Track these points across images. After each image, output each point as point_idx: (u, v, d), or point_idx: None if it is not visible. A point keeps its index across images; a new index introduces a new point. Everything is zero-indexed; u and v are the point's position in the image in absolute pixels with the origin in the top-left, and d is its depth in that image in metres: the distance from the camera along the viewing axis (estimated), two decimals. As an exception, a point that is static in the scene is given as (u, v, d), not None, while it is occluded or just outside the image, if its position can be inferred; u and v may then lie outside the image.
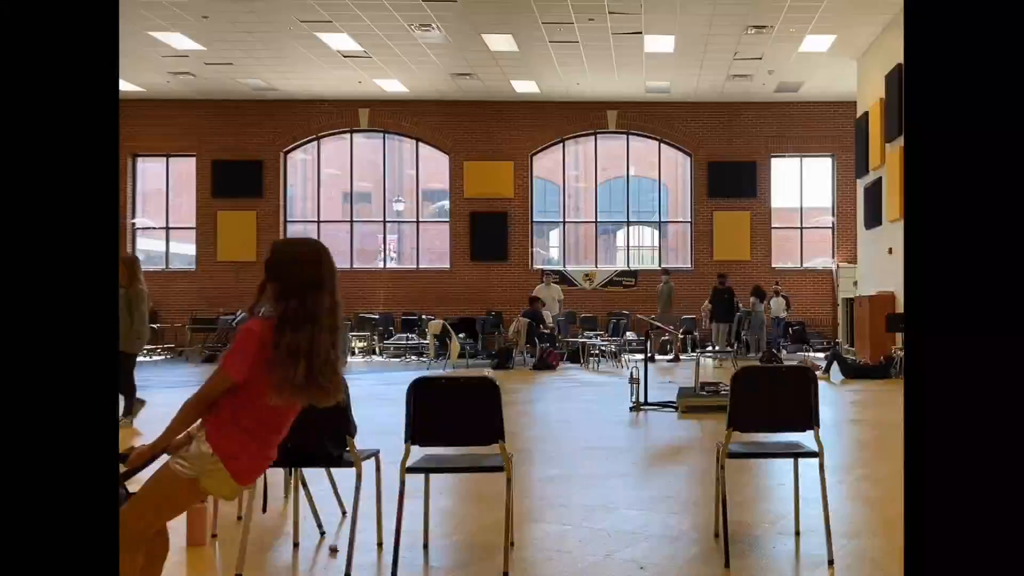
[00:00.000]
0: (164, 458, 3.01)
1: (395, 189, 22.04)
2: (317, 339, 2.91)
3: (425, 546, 4.49)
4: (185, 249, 21.81)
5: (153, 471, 3.05)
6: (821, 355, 17.53)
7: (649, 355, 11.62)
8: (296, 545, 4.57)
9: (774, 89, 20.08)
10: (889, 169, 16.01)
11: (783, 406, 4.35)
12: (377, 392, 11.65)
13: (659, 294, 18.80)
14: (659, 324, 13.98)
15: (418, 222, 22.01)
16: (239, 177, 21.09)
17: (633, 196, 22.19)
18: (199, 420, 2.98)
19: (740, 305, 18.87)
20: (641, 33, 16.12)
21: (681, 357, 17.67)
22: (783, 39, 16.44)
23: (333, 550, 4.45)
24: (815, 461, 4.31)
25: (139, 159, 21.78)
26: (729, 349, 17.33)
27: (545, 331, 17.21)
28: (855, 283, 19.39)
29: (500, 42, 16.79)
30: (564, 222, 22.32)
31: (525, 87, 20.05)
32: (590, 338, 17.77)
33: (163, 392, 11.87)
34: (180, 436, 2.97)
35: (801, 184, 22.04)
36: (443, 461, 4.44)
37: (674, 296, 18.41)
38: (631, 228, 22.60)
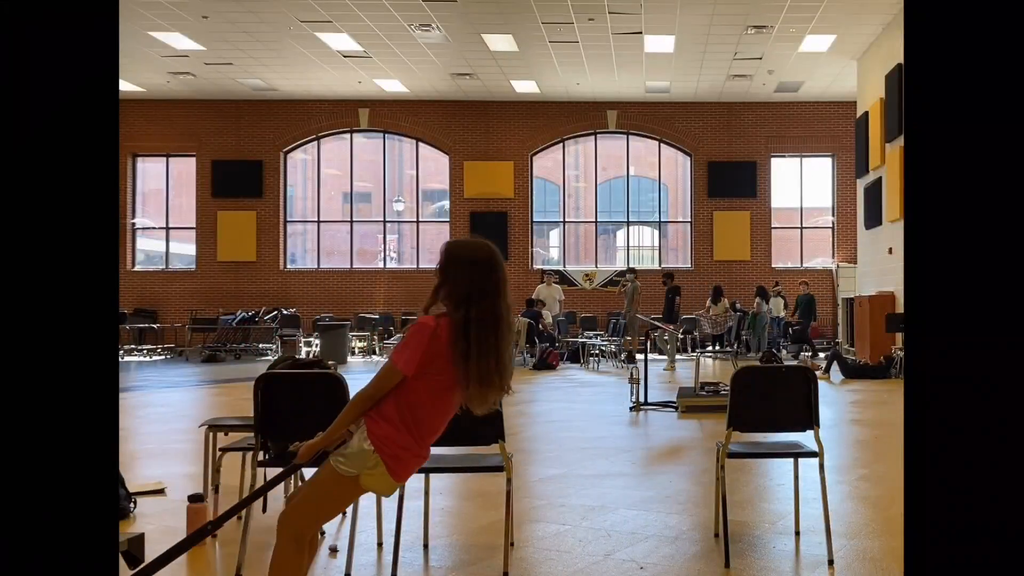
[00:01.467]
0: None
1: (395, 189, 22.05)
2: (500, 341, 2.93)
3: (425, 546, 4.49)
4: (185, 249, 21.82)
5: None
6: (821, 355, 17.53)
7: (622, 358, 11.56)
8: None
9: (774, 89, 20.08)
10: (889, 169, 16.02)
11: (783, 406, 4.35)
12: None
13: (626, 294, 18.50)
14: (657, 323, 13.97)
15: (418, 222, 22.01)
16: (239, 177, 21.10)
17: (633, 196, 22.19)
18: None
19: (739, 304, 18.88)
20: (641, 33, 16.12)
21: (637, 357, 17.19)
22: (783, 39, 16.44)
23: (333, 550, 4.45)
24: (815, 461, 4.31)
25: (139, 159, 21.78)
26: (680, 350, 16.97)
27: (545, 332, 17.21)
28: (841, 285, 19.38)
29: (500, 42, 16.79)
30: (564, 222, 22.32)
31: (525, 87, 20.05)
32: (590, 338, 17.77)
33: (163, 392, 11.87)
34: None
35: (801, 184, 22.05)
36: (443, 461, 4.44)
37: (638, 296, 18.03)
38: (631, 228, 22.60)
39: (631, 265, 20.24)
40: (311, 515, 3.01)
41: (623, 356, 16.91)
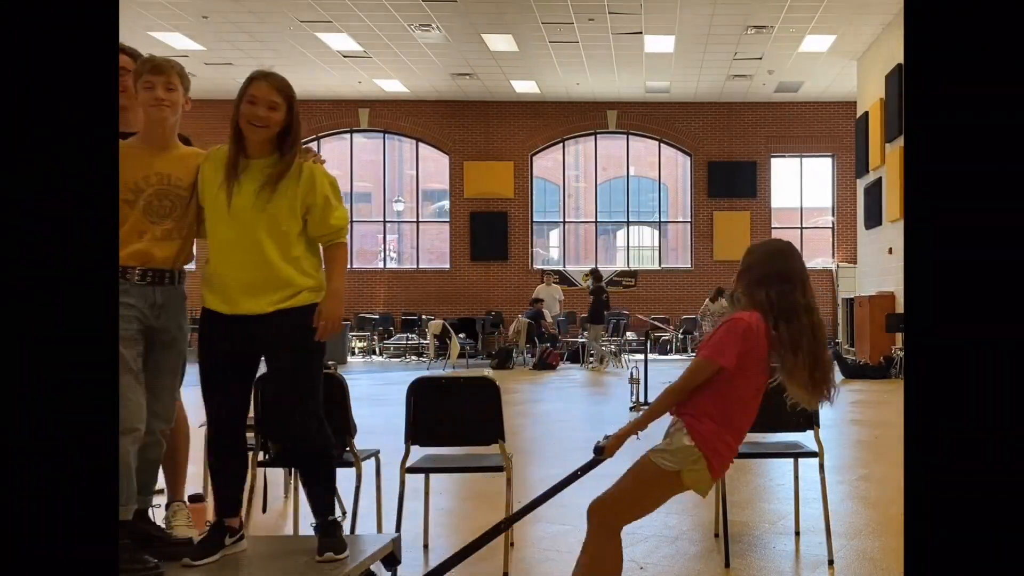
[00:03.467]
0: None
1: (395, 189, 22.05)
2: (813, 333, 2.91)
3: (425, 546, 4.49)
4: (185, 249, 21.80)
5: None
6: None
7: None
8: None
9: (774, 89, 20.08)
10: (889, 169, 16.02)
11: (783, 406, 4.34)
12: (377, 392, 11.65)
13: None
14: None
15: (418, 222, 22.02)
16: (239, 177, 21.05)
17: (633, 196, 22.19)
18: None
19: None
20: (641, 33, 16.11)
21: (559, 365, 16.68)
22: (783, 39, 16.44)
23: None
24: (815, 461, 4.31)
25: (139, 159, 21.74)
26: (605, 351, 16.59)
27: (545, 332, 17.21)
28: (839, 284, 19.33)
29: (500, 42, 16.79)
30: (564, 222, 22.32)
31: (525, 87, 20.05)
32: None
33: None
34: None
35: (801, 184, 22.05)
36: (443, 461, 4.44)
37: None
38: (631, 228, 22.60)
39: (595, 267, 19.69)
40: (627, 508, 3.03)
41: (592, 358, 16.61)
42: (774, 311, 2.88)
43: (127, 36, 17.15)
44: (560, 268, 21.58)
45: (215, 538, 3.23)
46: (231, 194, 3.13)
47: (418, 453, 4.17)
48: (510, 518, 3.15)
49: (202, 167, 3.23)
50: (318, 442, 3.28)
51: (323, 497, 3.31)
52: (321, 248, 3.32)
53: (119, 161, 3.04)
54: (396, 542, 3.48)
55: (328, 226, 3.25)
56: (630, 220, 22.39)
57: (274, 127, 3.16)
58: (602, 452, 3.03)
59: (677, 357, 18.68)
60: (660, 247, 22.31)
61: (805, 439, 4.48)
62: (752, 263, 3.00)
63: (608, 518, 2.97)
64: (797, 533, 4.66)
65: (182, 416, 3.45)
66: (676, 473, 2.89)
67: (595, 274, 17.08)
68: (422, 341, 17.74)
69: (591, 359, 16.54)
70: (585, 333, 16.58)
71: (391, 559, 3.40)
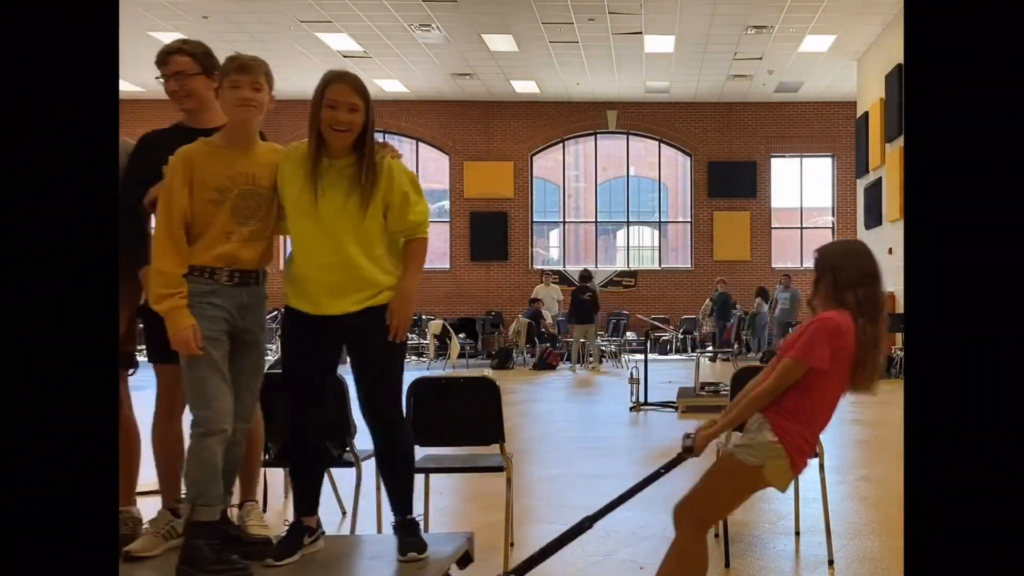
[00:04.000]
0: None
1: (395, 189, 22.02)
2: (884, 331, 2.97)
3: (425, 546, 4.48)
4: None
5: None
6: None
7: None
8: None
9: (774, 89, 20.07)
10: (889, 169, 16.01)
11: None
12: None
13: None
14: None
15: (418, 222, 21.99)
16: (239, 177, 21.05)
17: (633, 196, 22.19)
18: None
19: (738, 305, 18.88)
20: (641, 33, 16.11)
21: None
22: (783, 39, 16.44)
23: None
24: (815, 461, 4.30)
25: (139, 159, 21.74)
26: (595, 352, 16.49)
27: (545, 332, 17.20)
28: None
29: (500, 42, 16.79)
30: (564, 222, 22.32)
31: (525, 87, 20.05)
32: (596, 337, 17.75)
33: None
34: None
35: (801, 184, 22.04)
36: (443, 461, 4.44)
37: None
38: (631, 228, 22.60)
39: (584, 269, 19.54)
40: (712, 506, 3.07)
41: (592, 358, 16.56)
42: (862, 311, 2.92)
43: (127, 36, 17.18)
44: (560, 268, 21.58)
45: (295, 538, 3.24)
46: (314, 196, 3.11)
47: (418, 453, 4.16)
48: (592, 516, 3.17)
49: (281, 167, 3.20)
50: (402, 440, 3.31)
51: (405, 495, 3.32)
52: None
53: (204, 161, 3.07)
54: (471, 540, 3.48)
55: (407, 221, 3.23)
56: (630, 220, 22.39)
57: (356, 130, 3.12)
58: (690, 451, 3.06)
59: (677, 357, 18.67)
60: (660, 247, 22.31)
61: (805, 439, 4.47)
62: (841, 264, 3.01)
63: (695, 518, 3.01)
64: (797, 533, 4.66)
65: (257, 417, 3.48)
66: (758, 468, 2.92)
67: (581, 275, 17.04)
68: (422, 341, 17.74)
69: (590, 359, 16.52)
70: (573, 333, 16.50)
71: (465, 557, 3.41)
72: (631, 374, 10.17)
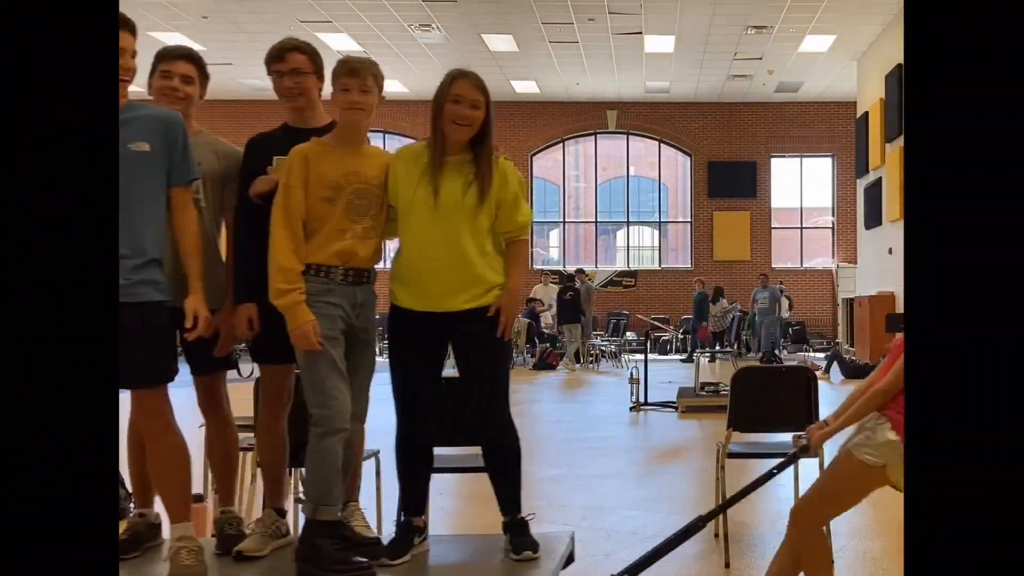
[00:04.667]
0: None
1: (395, 189, 22.02)
2: None
3: (425, 546, 4.48)
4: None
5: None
6: (821, 355, 17.53)
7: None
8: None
9: (774, 89, 20.08)
10: (889, 169, 16.01)
11: (783, 406, 4.35)
12: (377, 392, 11.63)
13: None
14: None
15: (418, 222, 21.99)
16: (239, 177, 21.05)
17: (633, 196, 22.20)
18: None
19: (738, 306, 18.88)
20: (641, 33, 16.12)
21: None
22: (783, 39, 16.44)
23: None
24: (815, 461, 4.30)
25: (139, 159, 21.74)
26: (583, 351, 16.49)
27: (545, 331, 17.20)
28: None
29: (500, 42, 16.79)
30: (564, 222, 22.32)
31: (525, 87, 20.05)
32: (590, 338, 17.76)
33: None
34: None
35: (801, 184, 22.04)
36: (443, 461, 4.43)
37: (592, 297, 17.35)
38: (631, 228, 22.60)
39: (581, 269, 19.38)
40: (831, 505, 3.07)
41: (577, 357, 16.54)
42: None
43: (127, 36, 17.05)
44: (560, 268, 21.58)
45: (406, 537, 3.27)
46: (433, 190, 3.14)
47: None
48: (707, 515, 3.19)
49: (393, 166, 3.24)
50: (512, 438, 3.33)
51: (515, 494, 3.34)
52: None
53: (318, 159, 3.09)
54: (573, 540, 3.50)
55: (515, 222, 3.27)
56: (630, 220, 22.39)
57: (476, 125, 3.18)
58: (806, 451, 3.07)
59: (677, 357, 18.67)
60: (660, 247, 22.31)
61: (805, 439, 4.47)
62: None
63: (813, 518, 3.03)
64: (797, 533, 4.66)
65: None
66: (880, 467, 2.92)
67: (567, 275, 17.01)
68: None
69: (591, 358, 16.53)
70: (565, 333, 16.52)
71: (569, 558, 3.43)
72: (631, 374, 10.17)
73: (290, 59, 3.41)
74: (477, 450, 4.48)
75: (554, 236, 22.64)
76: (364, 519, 3.59)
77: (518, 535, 3.24)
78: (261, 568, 3.22)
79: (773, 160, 21.75)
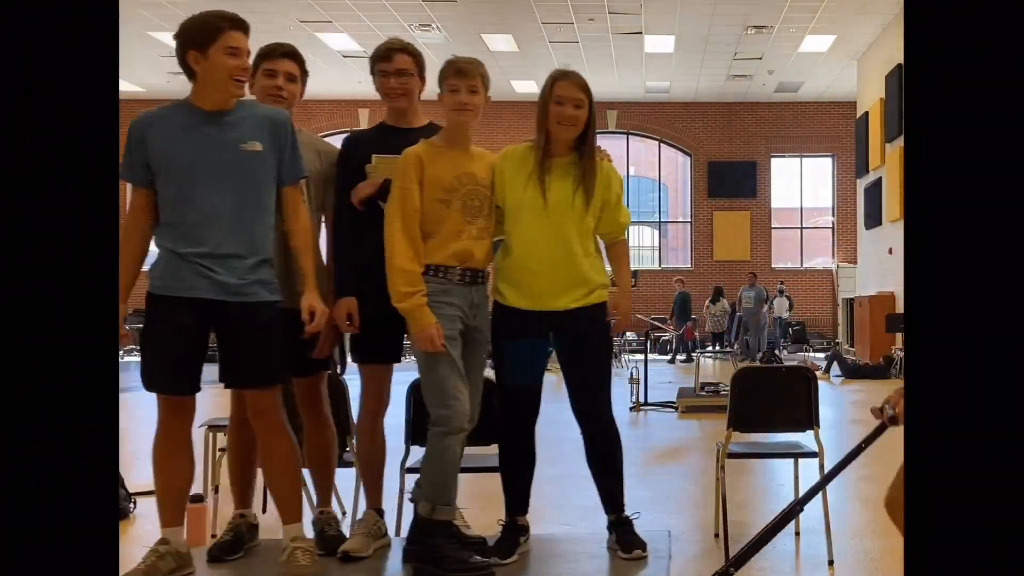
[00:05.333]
0: None
1: (395, 189, 22.02)
2: None
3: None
4: (185, 249, 21.81)
5: None
6: (821, 355, 17.53)
7: None
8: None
9: (774, 89, 20.08)
10: (889, 169, 16.02)
11: (783, 406, 4.35)
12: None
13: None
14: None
15: (418, 222, 21.99)
16: (239, 177, 21.05)
17: (633, 196, 22.18)
18: None
19: (737, 305, 18.89)
20: (641, 33, 16.12)
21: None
22: (783, 39, 16.44)
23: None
24: (815, 461, 4.30)
25: (139, 159, 21.74)
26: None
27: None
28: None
29: (500, 42, 16.79)
30: (564, 222, 22.29)
31: (525, 87, 20.04)
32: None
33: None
34: None
35: (801, 184, 22.05)
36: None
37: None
38: (631, 228, 22.58)
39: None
40: None
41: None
42: None
43: (127, 36, 17.24)
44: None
45: (513, 537, 3.31)
46: (542, 190, 3.18)
47: (418, 453, 4.15)
48: (801, 499, 3.20)
49: (500, 167, 3.27)
50: (616, 437, 3.39)
51: (620, 492, 3.38)
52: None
53: (432, 161, 3.13)
54: (670, 537, 3.54)
55: (618, 223, 3.36)
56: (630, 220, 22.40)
57: (581, 124, 3.21)
58: (895, 421, 3.05)
59: (677, 357, 18.67)
60: (660, 247, 22.31)
61: (805, 439, 4.48)
62: None
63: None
64: (797, 533, 4.66)
65: None
66: None
67: None
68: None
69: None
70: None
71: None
72: (631, 374, 10.17)
73: (397, 59, 3.44)
74: (478, 450, 4.49)
75: (554, 236, 22.64)
76: (463, 519, 3.63)
77: (625, 534, 3.29)
78: (367, 568, 3.26)
79: (773, 160, 21.75)
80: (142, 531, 4.81)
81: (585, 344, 3.30)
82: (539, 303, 3.23)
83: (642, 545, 3.24)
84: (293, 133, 3.19)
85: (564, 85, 3.23)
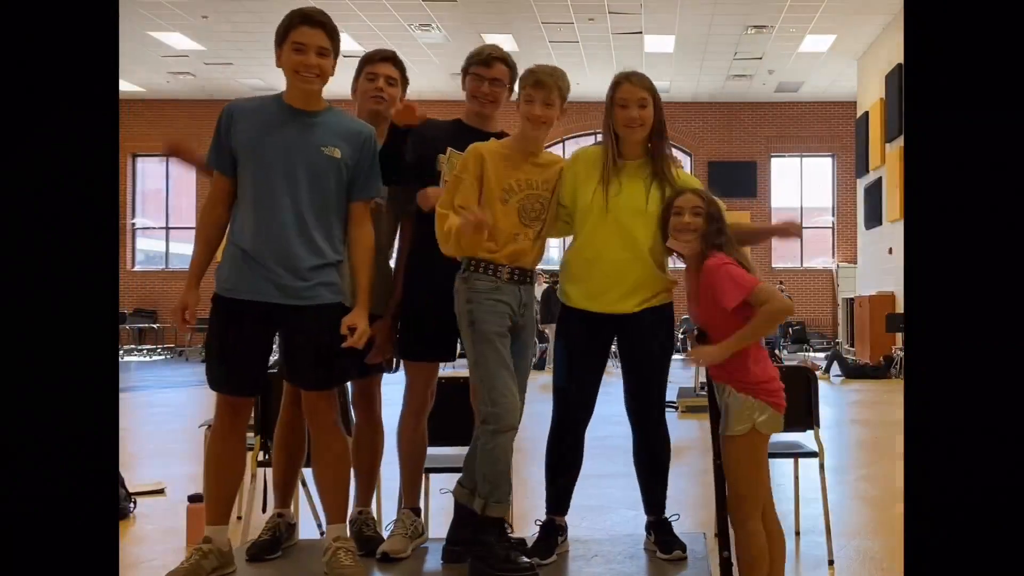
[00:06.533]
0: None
1: (395, 189, 22.00)
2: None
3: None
4: (185, 249, 21.80)
5: None
6: (821, 355, 17.53)
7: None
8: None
9: (774, 89, 20.08)
10: (889, 169, 16.02)
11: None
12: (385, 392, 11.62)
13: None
14: None
15: (418, 222, 21.97)
16: (239, 177, 21.03)
17: (633, 196, 22.17)
18: None
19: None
20: (641, 33, 16.12)
21: None
22: (783, 39, 16.44)
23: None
24: (815, 461, 4.30)
25: (139, 159, 21.75)
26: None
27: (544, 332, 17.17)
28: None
29: (500, 42, 16.71)
30: (564, 222, 22.27)
31: (525, 87, 20.03)
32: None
33: (163, 392, 11.87)
34: None
35: (801, 184, 22.04)
36: (443, 461, 4.43)
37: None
38: (631, 228, 22.57)
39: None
40: (751, 489, 3.04)
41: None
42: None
43: (127, 36, 17.20)
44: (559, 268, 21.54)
45: (552, 537, 3.31)
46: (613, 193, 3.19)
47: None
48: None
49: (572, 168, 3.31)
50: (667, 439, 3.44)
51: (663, 494, 3.41)
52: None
53: (495, 160, 3.16)
54: (705, 538, 3.57)
55: None
56: (630, 220, 22.37)
57: (648, 123, 3.24)
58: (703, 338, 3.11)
59: (676, 357, 18.66)
60: (660, 247, 22.28)
61: (805, 439, 4.48)
62: (717, 214, 3.34)
63: (742, 511, 3.02)
64: (797, 533, 4.66)
65: None
66: (751, 429, 2.99)
67: (555, 275, 16.85)
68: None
69: None
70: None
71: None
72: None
73: (496, 68, 3.48)
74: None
75: (554, 236, 22.61)
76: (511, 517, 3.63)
77: (664, 534, 3.32)
78: (407, 569, 3.25)
79: (773, 160, 21.75)
80: (142, 531, 4.82)
81: (648, 347, 3.32)
82: (604, 305, 3.24)
83: (682, 546, 3.27)
84: (375, 150, 3.20)
85: (625, 88, 3.27)
